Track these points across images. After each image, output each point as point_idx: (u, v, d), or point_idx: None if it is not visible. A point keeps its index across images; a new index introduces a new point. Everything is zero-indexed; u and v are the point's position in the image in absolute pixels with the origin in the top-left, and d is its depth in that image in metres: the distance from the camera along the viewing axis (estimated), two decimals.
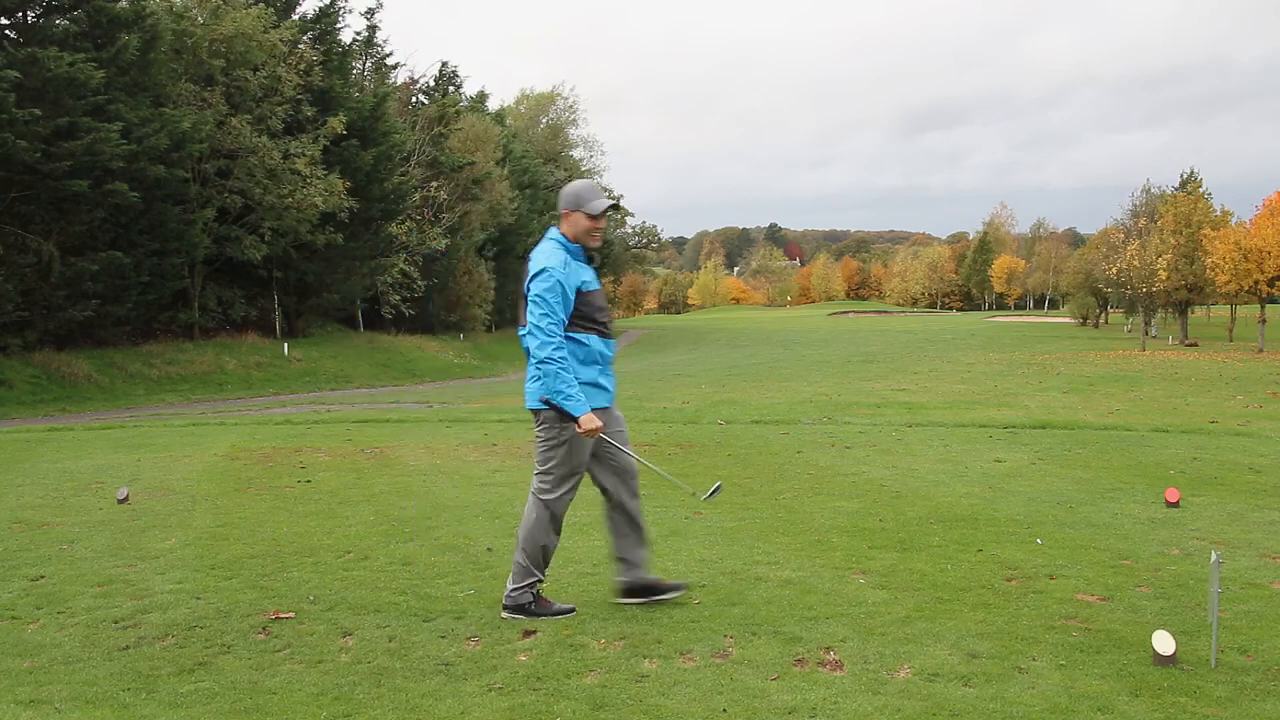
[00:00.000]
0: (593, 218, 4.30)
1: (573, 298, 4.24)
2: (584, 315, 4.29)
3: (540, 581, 4.37)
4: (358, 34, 43.35)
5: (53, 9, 26.09)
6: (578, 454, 4.32)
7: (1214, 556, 3.63)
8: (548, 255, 4.24)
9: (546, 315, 4.13)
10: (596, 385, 4.33)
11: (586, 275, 4.34)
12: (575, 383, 4.16)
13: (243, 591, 4.77)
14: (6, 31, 25.67)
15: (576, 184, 4.41)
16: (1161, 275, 46.62)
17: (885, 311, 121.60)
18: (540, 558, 4.36)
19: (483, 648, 3.93)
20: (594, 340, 4.33)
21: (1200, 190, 55.61)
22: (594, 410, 4.27)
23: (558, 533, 4.43)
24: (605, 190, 4.12)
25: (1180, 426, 11.90)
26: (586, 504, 6.85)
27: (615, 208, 4.35)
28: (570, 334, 4.26)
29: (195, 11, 30.99)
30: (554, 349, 4.13)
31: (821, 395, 21.66)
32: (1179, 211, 50.12)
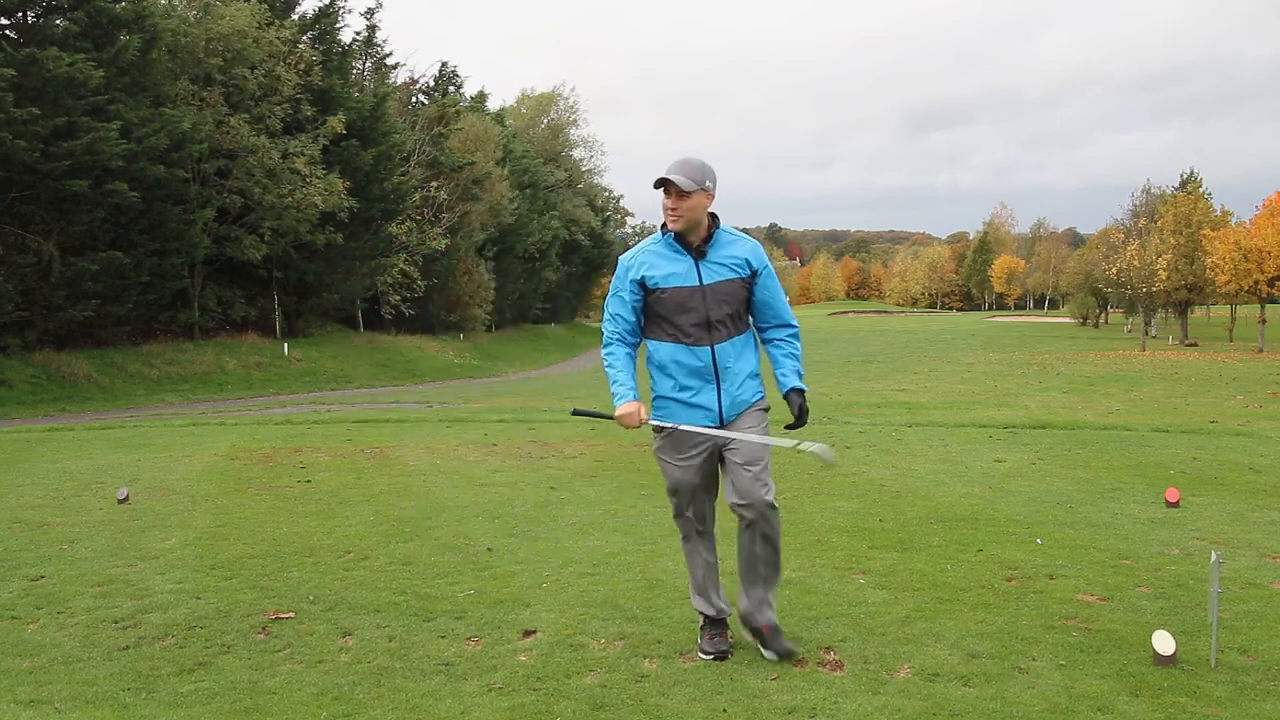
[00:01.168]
0: (664, 193, 3.66)
1: (628, 294, 3.76)
2: (657, 315, 3.77)
3: (709, 619, 3.86)
4: (357, 34, 43.35)
5: (52, 9, 26.08)
6: (673, 463, 3.80)
7: (1214, 556, 3.63)
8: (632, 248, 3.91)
9: (605, 308, 3.88)
10: (675, 400, 3.75)
11: (662, 269, 3.72)
12: (618, 379, 3.73)
13: (243, 591, 4.77)
14: (6, 32, 25.66)
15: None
16: (1161, 275, 46.67)
17: (885, 311, 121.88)
18: (692, 586, 3.94)
19: (483, 648, 3.93)
20: (663, 348, 3.76)
21: (1200, 190, 55.65)
22: (679, 426, 3.72)
23: (706, 558, 3.91)
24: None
25: (1180, 426, 11.90)
26: (587, 504, 6.86)
27: (663, 182, 3.61)
28: (646, 337, 3.85)
29: (184, 8, 30.97)
30: (604, 347, 3.85)
31: (821, 395, 21.66)
32: (1179, 211, 50.18)
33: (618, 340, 3.81)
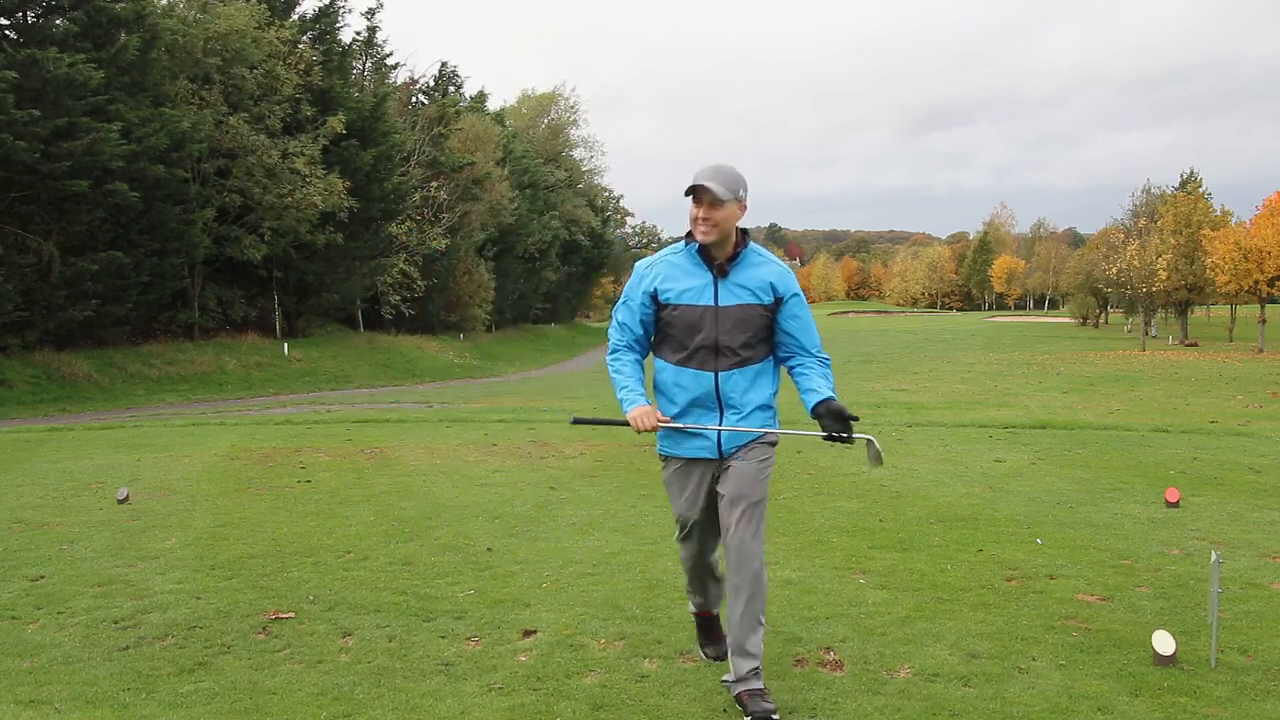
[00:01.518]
0: (694, 201, 3.36)
1: (638, 304, 3.50)
2: (666, 333, 3.50)
3: (702, 618, 3.80)
4: (358, 34, 43.42)
5: (52, 9, 26.09)
6: (677, 496, 3.60)
7: (1214, 556, 3.63)
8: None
9: (613, 315, 3.62)
10: (673, 425, 3.46)
11: (678, 284, 3.44)
12: (627, 384, 3.46)
13: (243, 591, 4.77)
14: (6, 32, 25.67)
15: (702, 165, 3.44)
16: (1161, 275, 46.69)
17: (885, 311, 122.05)
18: (689, 587, 3.80)
19: (483, 648, 3.93)
20: (668, 369, 3.49)
21: (1200, 190, 55.67)
22: (680, 463, 3.53)
23: (697, 583, 3.73)
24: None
25: (1180, 426, 11.91)
26: (587, 504, 6.86)
27: (695, 189, 3.33)
28: (654, 354, 3.58)
29: (184, 8, 31.00)
30: (609, 354, 3.60)
31: None
32: (1179, 211, 50.20)
33: (625, 348, 3.54)
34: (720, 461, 3.49)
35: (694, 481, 3.54)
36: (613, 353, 3.57)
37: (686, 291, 3.42)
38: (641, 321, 3.51)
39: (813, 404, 3.41)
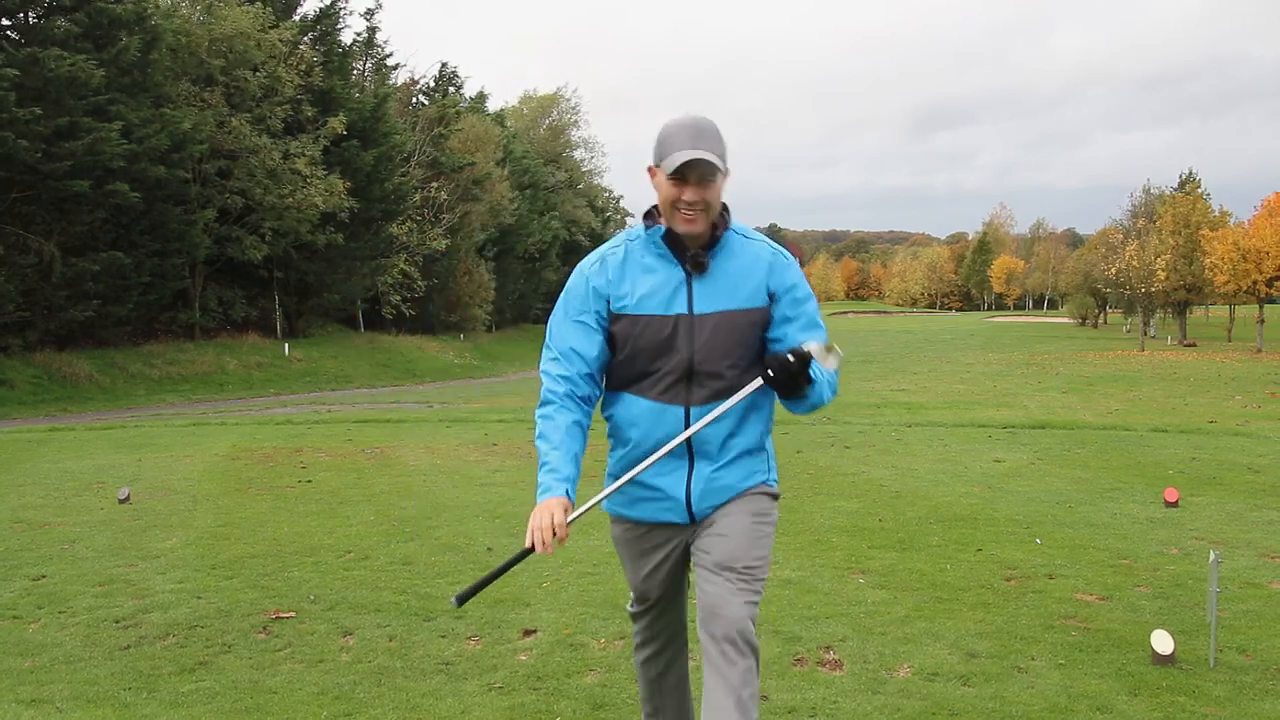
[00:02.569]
0: (673, 179, 2.36)
1: (593, 318, 2.49)
2: (622, 353, 2.50)
3: None
4: (358, 35, 43.38)
5: (54, 9, 26.11)
6: (629, 566, 2.69)
7: (1212, 556, 3.64)
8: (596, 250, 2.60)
9: (546, 346, 2.58)
10: (629, 481, 2.49)
11: (639, 284, 2.45)
12: (549, 461, 2.42)
13: (243, 591, 4.78)
14: (8, 32, 25.70)
15: (667, 123, 2.42)
16: (1160, 275, 46.75)
17: (885, 312, 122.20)
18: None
19: (483, 647, 3.94)
20: (623, 402, 2.51)
21: (1199, 191, 55.74)
22: (633, 526, 2.62)
23: (659, 690, 2.80)
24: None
25: (1179, 426, 11.92)
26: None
27: (687, 166, 2.32)
28: (609, 389, 2.58)
29: (188, 10, 31.03)
30: (540, 405, 2.52)
31: None
32: (1178, 212, 50.26)
33: (563, 396, 2.48)
34: (692, 529, 2.56)
35: (655, 549, 2.62)
36: (545, 404, 2.50)
37: (650, 296, 2.44)
38: (601, 344, 2.50)
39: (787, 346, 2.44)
